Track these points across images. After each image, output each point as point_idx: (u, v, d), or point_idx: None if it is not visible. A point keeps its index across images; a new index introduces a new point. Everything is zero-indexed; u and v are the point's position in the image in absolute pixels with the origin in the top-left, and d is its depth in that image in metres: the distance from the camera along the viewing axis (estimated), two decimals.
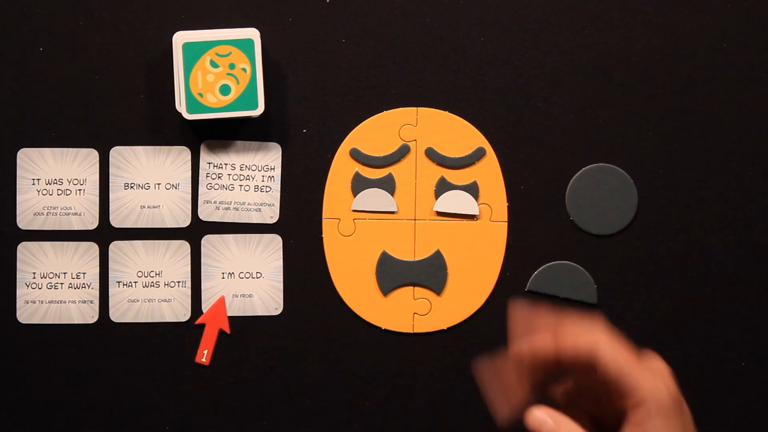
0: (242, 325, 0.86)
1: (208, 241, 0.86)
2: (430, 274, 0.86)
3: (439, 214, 0.86)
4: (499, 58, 0.86)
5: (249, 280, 0.86)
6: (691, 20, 0.86)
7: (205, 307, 0.86)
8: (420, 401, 0.87)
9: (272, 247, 0.86)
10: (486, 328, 0.87)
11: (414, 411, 0.87)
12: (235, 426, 0.86)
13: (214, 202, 0.86)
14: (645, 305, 0.86)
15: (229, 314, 0.86)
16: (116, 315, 0.86)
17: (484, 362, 0.60)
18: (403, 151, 0.86)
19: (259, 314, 0.86)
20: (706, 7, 0.86)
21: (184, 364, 0.86)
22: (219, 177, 0.86)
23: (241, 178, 0.86)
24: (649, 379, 0.60)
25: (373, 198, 0.86)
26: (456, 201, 0.86)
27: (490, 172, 0.86)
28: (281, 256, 0.86)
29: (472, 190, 0.86)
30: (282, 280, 0.86)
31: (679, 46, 0.86)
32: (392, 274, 0.86)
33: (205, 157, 0.86)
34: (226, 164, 0.86)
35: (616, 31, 0.86)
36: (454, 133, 0.86)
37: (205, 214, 0.86)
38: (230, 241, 0.86)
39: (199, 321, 0.86)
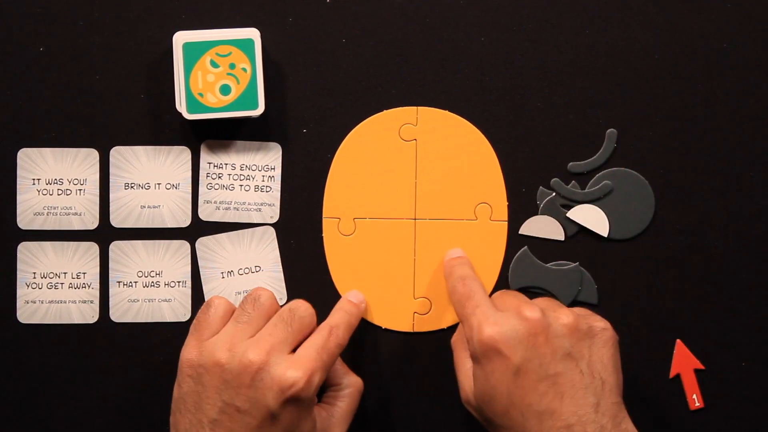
0: None
1: (203, 244, 0.85)
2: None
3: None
4: (499, 58, 0.86)
5: (249, 275, 0.86)
6: (691, 20, 0.86)
7: None
8: (420, 401, 0.87)
9: (266, 239, 0.86)
10: None
11: (414, 411, 0.87)
12: None
13: (215, 202, 0.86)
14: (645, 305, 0.86)
15: None
16: (116, 315, 0.86)
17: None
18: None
19: None
20: (706, 7, 0.86)
21: None
22: (219, 177, 0.86)
23: (241, 178, 0.86)
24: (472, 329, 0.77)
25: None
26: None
27: (490, 172, 0.86)
28: (276, 246, 0.86)
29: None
30: (281, 270, 0.86)
31: (679, 46, 0.86)
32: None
33: (205, 157, 0.86)
34: (226, 164, 0.86)
35: (616, 31, 0.86)
36: (455, 133, 0.86)
37: (206, 214, 0.86)
38: (224, 240, 0.86)
39: None
